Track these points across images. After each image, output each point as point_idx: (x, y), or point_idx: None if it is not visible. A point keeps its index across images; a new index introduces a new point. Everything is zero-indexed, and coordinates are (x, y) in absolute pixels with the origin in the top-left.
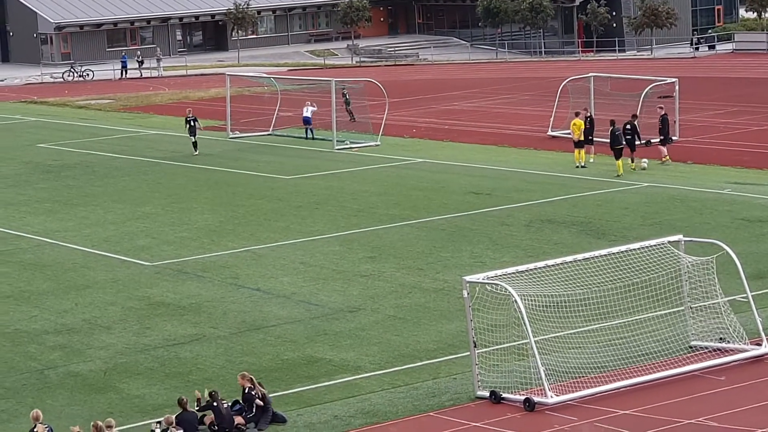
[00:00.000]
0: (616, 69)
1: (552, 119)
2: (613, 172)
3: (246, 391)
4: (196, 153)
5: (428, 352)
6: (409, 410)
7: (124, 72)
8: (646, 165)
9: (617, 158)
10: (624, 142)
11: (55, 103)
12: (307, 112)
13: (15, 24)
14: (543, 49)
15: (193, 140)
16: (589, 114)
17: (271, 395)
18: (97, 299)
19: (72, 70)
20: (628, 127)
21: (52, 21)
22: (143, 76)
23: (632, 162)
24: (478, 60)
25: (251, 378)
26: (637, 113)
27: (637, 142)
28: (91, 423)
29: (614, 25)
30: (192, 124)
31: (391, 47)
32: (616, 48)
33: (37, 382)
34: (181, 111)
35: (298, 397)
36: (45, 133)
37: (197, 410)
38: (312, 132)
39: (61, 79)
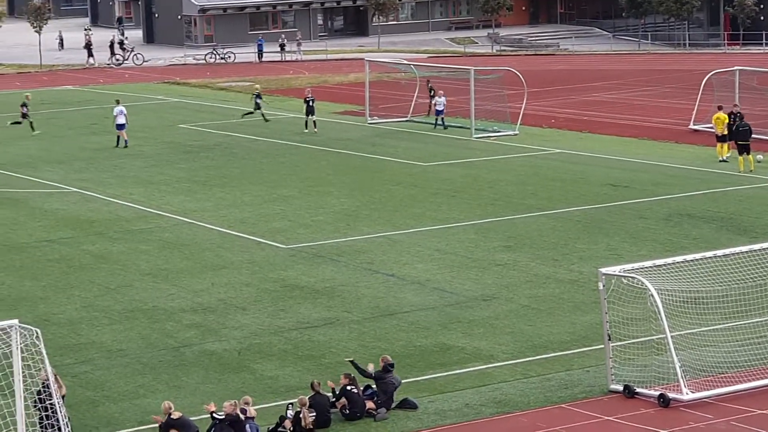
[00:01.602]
0: (764, 63)
1: (694, 112)
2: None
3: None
4: (315, 130)
5: (561, 343)
6: (540, 401)
7: (260, 55)
8: (761, 158)
9: (740, 154)
10: (750, 138)
11: (197, 85)
12: (440, 105)
13: (160, 6)
14: (687, 41)
15: (313, 119)
16: (738, 110)
17: (402, 381)
18: (233, 280)
19: (214, 52)
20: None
21: (197, 3)
22: (285, 59)
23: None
24: (620, 51)
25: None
26: None
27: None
28: (227, 402)
29: (762, 18)
30: (310, 104)
31: (531, 36)
32: (764, 41)
33: (173, 359)
34: (321, 95)
35: (430, 384)
36: (186, 114)
37: (333, 395)
38: (443, 122)
39: (204, 61)
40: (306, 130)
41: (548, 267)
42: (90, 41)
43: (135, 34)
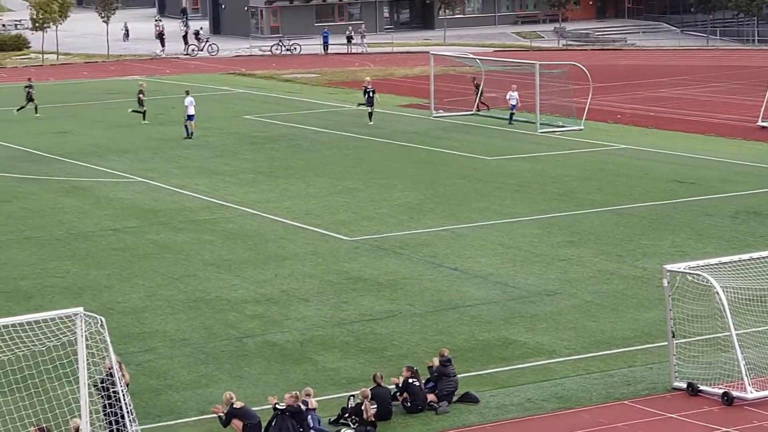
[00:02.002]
0: None
1: (763, 109)
2: None
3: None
4: (371, 123)
5: (625, 339)
6: (603, 397)
7: (325, 47)
8: None
9: None
10: None
11: (263, 76)
12: (513, 99)
13: None
14: (756, 38)
15: (370, 111)
16: None
17: (464, 375)
18: (296, 271)
19: (280, 43)
20: None
21: None
22: (351, 52)
23: None
24: (688, 46)
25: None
26: None
27: None
28: (288, 393)
29: None
30: (371, 95)
31: (598, 31)
32: None
33: (235, 350)
34: (386, 87)
35: (492, 378)
36: (251, 105)
37: (396, 390)
38: (512, 117)
39: (269, 53)
40: (371, 123)
41: (612, 263)
42: (162, 31)
43: (201, 26)
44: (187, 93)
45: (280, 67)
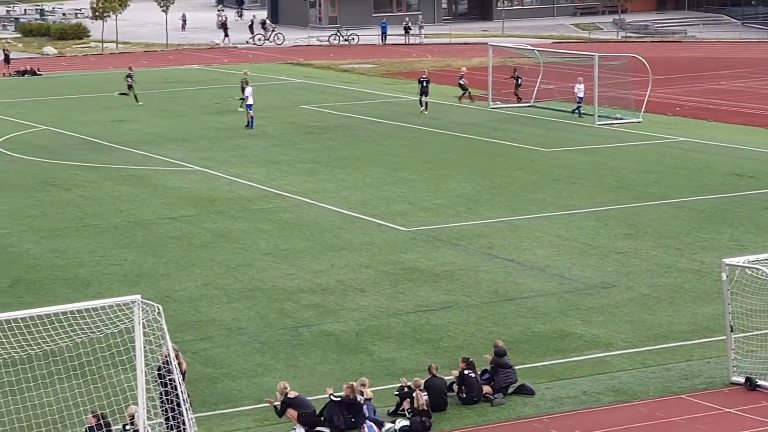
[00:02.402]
0: None
1: None
2: None
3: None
4: (426, 112)
5: (682, 333)
6: (659, 391)
7: (383, 38)
8: None
9: None
10: None
11: (320, 66)
12: (580, 92)
13: None
14: None
15: (425, 100)
16: None
17: (520, 366)
18: (353, 261)
19: (338, 33)
20: None
21: None
22: (409, 42)
23: None
24: (749, 39)
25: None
26: None
27: None
28: (345, 384)
29: None
30: (424, 84)
31: (658, 23)
32: None
33: (291, 339)
34: (444, 78)
35: (548, 371)
36: (309, 95)
37: (453, 381)
38: (578, 110)
39: (327, 43)
40: (422, 110)
41: (670, 256)
42: (225, 21)
43: (259, 15)
44: (247, 83)
45: (337, 57)
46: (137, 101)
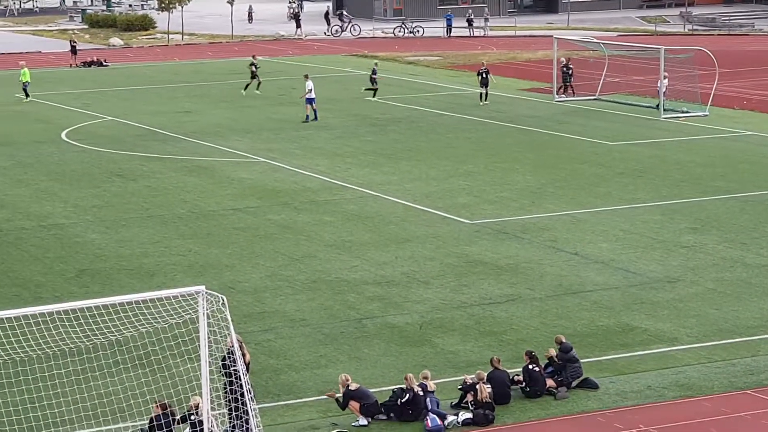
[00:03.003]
0: None
1: None
2: None
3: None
4: (486, 103)
5: (748, 328)
6: (725, 386)
7: (448, 30)
8: None
9: None
10: None
11: (385, 58)
12: (663, 87)
13: None
14: None
15: (485, 91)
16: None
17: (583, 360)
18: (417, 253)
19: (403, 26)
20: None
21: None
22: (473, 35)
23: None
24: None
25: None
26: None
27: None
28: (404, 376)
29: None
30: (484, 75)
31: (725, 16)
32: None
33: (354, 331)
34: (508, 71)
35: (612, 365)
36: None
37: (516, 374)
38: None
39: (392, 35)
40: (481, 103)
41: (736, 251)
42: (298, 12)
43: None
44: (306, 77)
45: (402, 50)
46: (257, 88)
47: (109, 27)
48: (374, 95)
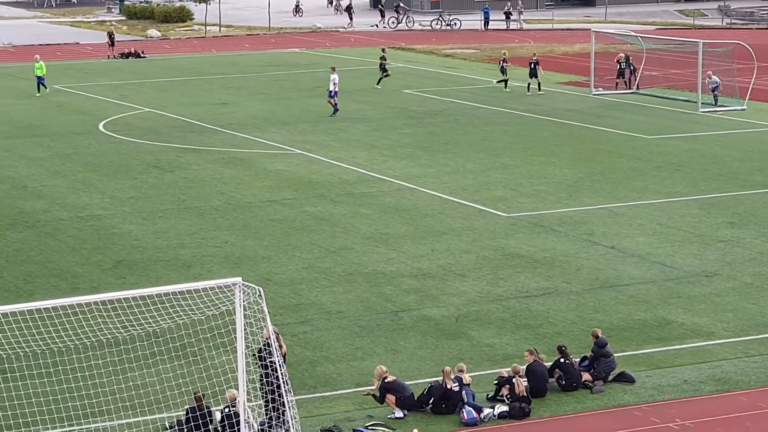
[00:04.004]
0: None
1: None
2: None
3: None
4: (539, 92)
5: None
6: (762, 381)
7: (486, 23)
8: None
9: None
10: None
11: (422, 51)
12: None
13: None
14: None
15: (536, 81)
16: None
17: (620, 354)
18: (453, 246)
19: (440, 18)
20: None
21: None
22: (510, 28)
23: None
24: None
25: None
26: None
27: None
28: (443, 368)
29: None
30: (532, 67)
31: (764, 10)
32: None
33: (391, 323)
34: (545, 64)
35: (648, 359)
36: (410, 80)
37: (552, 366)
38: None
39: (429, 28)
40: (528, 93)
41: None
42: (350, 4)
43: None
44: (333, 70)
45: (439, 43)
46: (382, 78)
47: (146, 18)
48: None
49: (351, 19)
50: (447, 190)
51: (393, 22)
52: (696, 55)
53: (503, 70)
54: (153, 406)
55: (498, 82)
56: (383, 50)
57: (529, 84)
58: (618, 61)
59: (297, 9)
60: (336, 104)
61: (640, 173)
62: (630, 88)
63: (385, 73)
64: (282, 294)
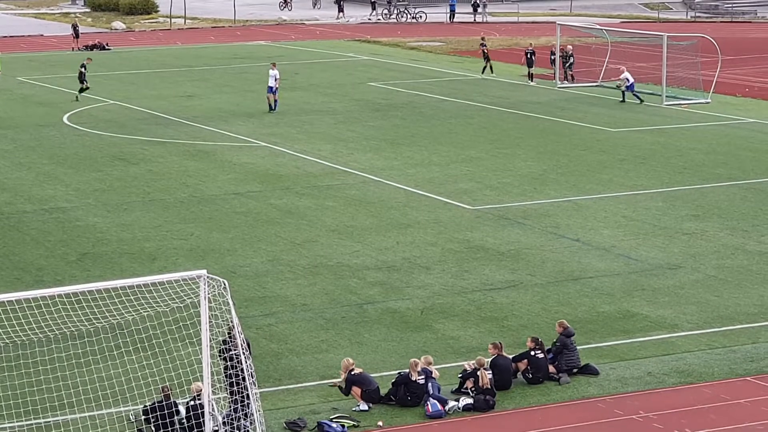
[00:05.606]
0: None
1: None
2: None
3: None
4: (532, 83)
5: (748, 315)
6: (725, 373)
7: (452, 16)
8: None
9: None
10: None
11: (388, 44)
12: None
13: None
14: None
15: (531, 71)
16: None
17: (584, 347)
18: (418, 239)
19: (405, 11)
20: None
21: None
22: (476, 20)
23: None
24: None
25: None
26: None
27: None
28: (410, 360)
29: None
30: (529, 57)
31: (728, 3)
32: None
33: (355, 316)
34: (510, 57)
35: (612, 351)
36: (376, 72)
37: (513, 358)
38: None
39: (395, 20)
40: (531, 83)
41: (737, 238)
42: None
43: None
44: (273, 65)
45: (405, 35)
46: (491, 71)
47: (111, 11)
48: (483, 71)
49: (341, 10)
50: (412, 182)
51: (386, 15)
52: (661, 48)
53: (485, 55)
54: (118, 397)
55: (483, 70)
56: (483, 38)
57: (530, 73)
58: (553, 52)
59: (285, 2)
60: (276, 101)
61: (604, 166)
62: (574, 81)
63: (488, 62)
64: (247, 286)
